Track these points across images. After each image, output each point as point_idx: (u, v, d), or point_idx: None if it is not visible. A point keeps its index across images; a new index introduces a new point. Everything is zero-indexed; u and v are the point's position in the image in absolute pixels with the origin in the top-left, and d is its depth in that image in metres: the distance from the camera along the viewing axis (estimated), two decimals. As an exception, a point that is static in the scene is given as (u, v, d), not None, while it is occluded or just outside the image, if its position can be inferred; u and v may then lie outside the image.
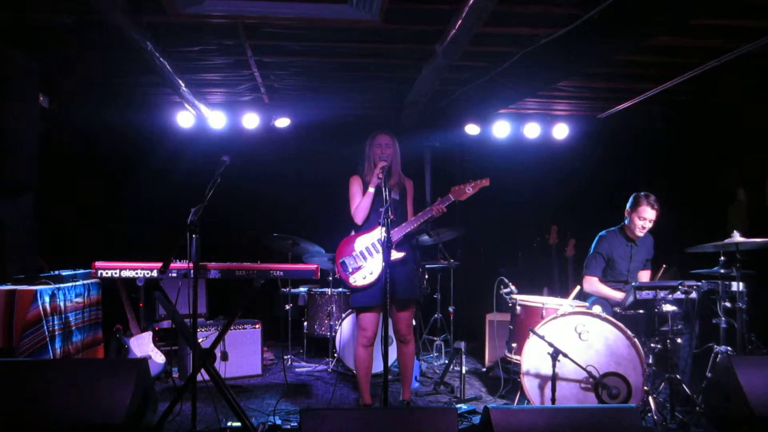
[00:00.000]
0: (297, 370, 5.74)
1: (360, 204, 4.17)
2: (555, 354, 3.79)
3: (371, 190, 4.11)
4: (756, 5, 4.03)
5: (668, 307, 4.13)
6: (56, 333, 4.28)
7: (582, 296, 4.76)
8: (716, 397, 3.64)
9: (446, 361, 5.67)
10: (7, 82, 4.65)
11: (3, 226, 4.86)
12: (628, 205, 4.79)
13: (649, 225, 4.70)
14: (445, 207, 4.07)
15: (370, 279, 4.09)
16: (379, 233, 4.08)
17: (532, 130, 6.98)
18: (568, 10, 4.15)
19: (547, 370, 3.89)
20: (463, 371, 4.81)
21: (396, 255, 4.06)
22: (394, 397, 4.77)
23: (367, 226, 4.18)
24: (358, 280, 4.12)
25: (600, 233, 4.92)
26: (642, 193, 4.71)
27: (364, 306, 4.15)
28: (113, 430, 2.96)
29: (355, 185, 4.25)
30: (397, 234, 4.06)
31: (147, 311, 5.41)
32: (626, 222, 4.81)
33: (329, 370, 5.66)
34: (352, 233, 4.27)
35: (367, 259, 4.12)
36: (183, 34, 4.63)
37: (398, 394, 4.84)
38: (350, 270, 4.13)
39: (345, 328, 5.51)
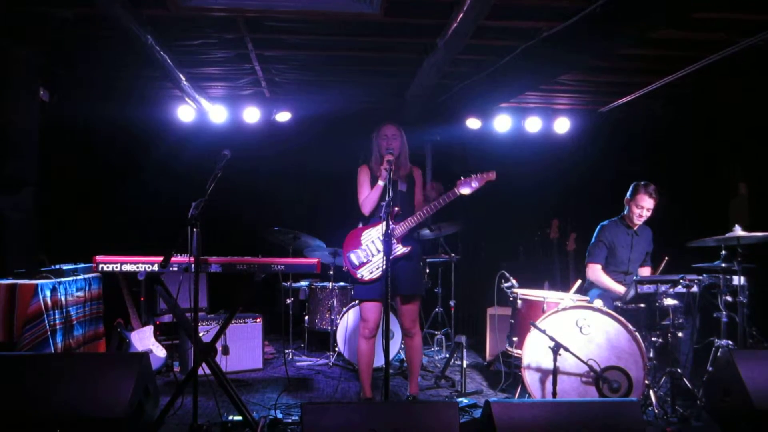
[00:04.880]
0: (298, 364, 5.75)
1: (369, 196, 4.17)
2: (556, 348, 3.79)
3: (381, 183, 4.08)
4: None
5: (669, 301, 4.15)
6: (57, 327, 4.29)
7: (583, 290, 4.77)
8: (717, 391, 3.64)
9: (447, 355, 5.68)
10: (8, 76, 4.65)
11: (4, 220, 4.87)
12: (627, 194, 4.84)
13: (647, 214, 4.75)
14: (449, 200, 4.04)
15: (377, 274, 4.10)
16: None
17: (533, 124, 6.95)
18: (569, 3, 4.13)
19: (548, 364, 3.90)
20: (464, 365, 4.81)
21: (402, 249, 4.07)
22: (396, 390, 4.78)
23: (375, 219, 4.19)
24: (365, 274, 4.13)
25: (601, 223, 4.96)
26: (641, 183, 4.76)
27: (367, 298, 4.17)
28: (114, 424, 2.96)
29: (363, 175, 4.26)
30: (403, 228, 4.06)
31: (148, 305, 5.40)
32: (625, 211, 4.86)
33: (330, 364, 5.66)
34: (359, 225, 4.28)
35: (374, 254, 4.13)
36: (183, 27, 4.62)
37: (399, 387, 4.86)
38: (357, 264, 4.14)
39: (346, 322, 5.51)
